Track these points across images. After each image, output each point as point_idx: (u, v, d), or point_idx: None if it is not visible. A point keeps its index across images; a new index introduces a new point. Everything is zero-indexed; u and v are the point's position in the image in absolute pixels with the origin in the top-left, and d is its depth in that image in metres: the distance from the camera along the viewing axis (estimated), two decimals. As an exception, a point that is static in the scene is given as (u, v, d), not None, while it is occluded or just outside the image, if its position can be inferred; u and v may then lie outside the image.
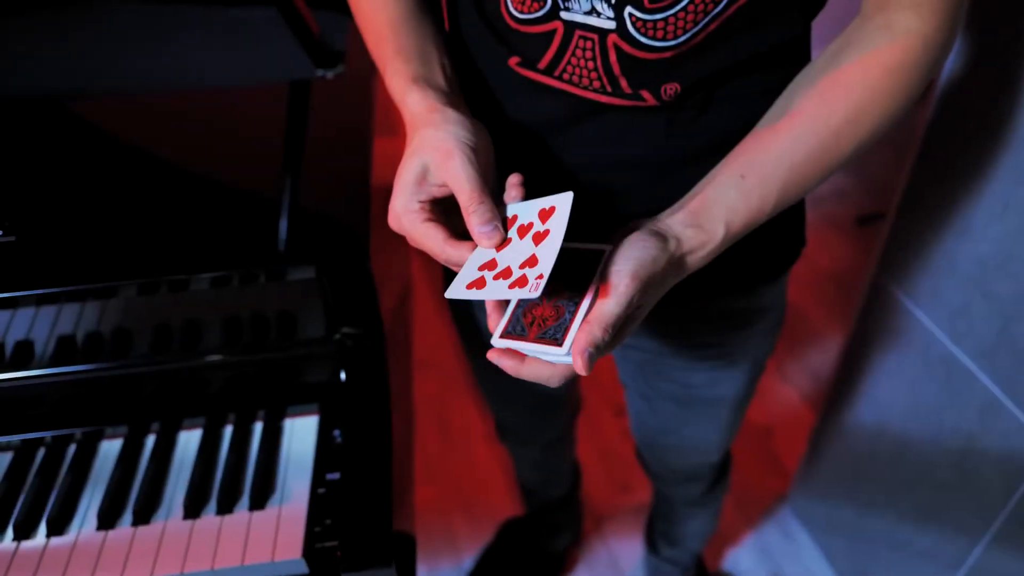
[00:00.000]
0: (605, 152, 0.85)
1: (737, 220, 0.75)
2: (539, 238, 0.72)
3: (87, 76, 1.30)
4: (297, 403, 1.06)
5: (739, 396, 1.18)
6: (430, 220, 0.73)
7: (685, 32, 0.73)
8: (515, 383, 1.25)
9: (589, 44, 0.76)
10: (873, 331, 1.53)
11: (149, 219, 1.04)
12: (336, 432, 1.01)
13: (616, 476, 2.11)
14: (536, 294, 0.66)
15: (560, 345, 0.69)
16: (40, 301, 0.96)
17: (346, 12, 1.39)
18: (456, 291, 0.72)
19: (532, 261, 0.70)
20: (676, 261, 0.73)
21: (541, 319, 0.72)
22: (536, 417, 1.47)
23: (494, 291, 0.70)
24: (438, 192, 0.74)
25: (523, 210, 0.75)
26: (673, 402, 1.18)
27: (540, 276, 0.68)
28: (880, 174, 2.80)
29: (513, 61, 0.82)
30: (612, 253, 0.73)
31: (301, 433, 1.04)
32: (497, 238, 0.72)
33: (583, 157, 0.86)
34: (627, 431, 2.16)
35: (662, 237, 0.73)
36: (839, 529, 1.83)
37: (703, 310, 1.02)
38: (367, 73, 1.25)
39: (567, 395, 1.46)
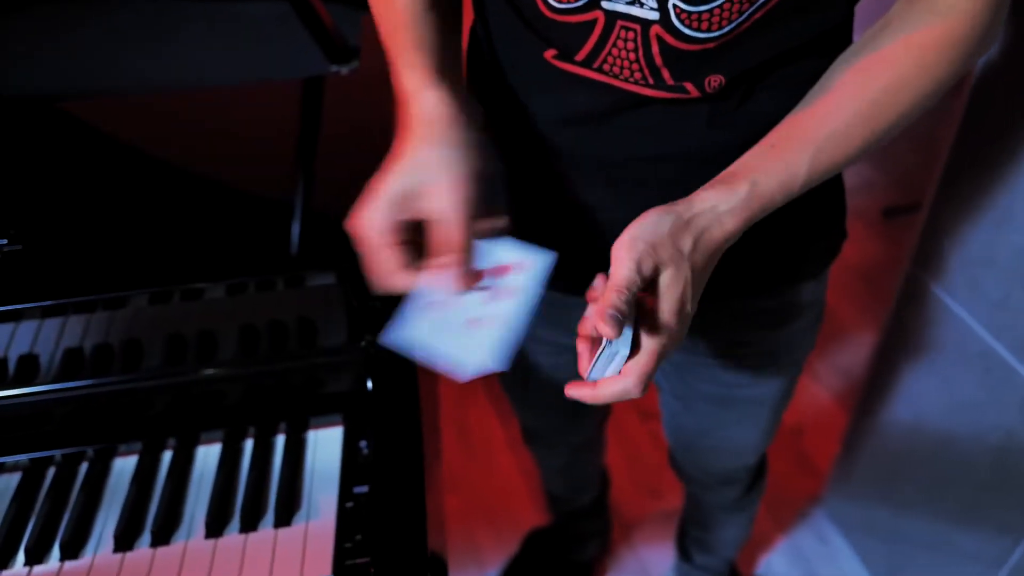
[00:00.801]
0: (644, 145, 0.82)
1: (764, 180, 0.72)
2: (508, 293, 0.71)
3: (91, 76, 1.26)
4: (320, 414, 1.01)
5: (779, 395, 1.15)
6: (393, 245, 0.72)
7: (730, 22, 0.70)
8: (541, 385, 1.27)
9: (631, 35, 0.73)
10: (908, 326, 1.50)
11: (160, 224, 1.00)
12: (362, 443, 0.97)
13: (644, 481, 2.07)
14: (616, 331, 0.65)
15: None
16: (47, 313, 0.92)
17: (359, 6, 1.35)
18: (396, 338, 0.72)
19: (492, 318, 0.70)
20: (690, 222, 0.70)
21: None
22: (564, 420, 1.43)
23: (442, 350, 0.70)
24: (418, 216, 0.72)
25: (501, 249, 0.74)
26: (710, 403, 1.15)
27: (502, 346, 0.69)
28: (907, 166, 2.76)
29: (549, 54, 0.79)
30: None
31: (325, 445, 0.99)
32: (467, 286, 0.72)
33: (621, 151, 0.83)
34: (655, 434, 2.19)
35: (668, 208, 0.71)
36: (875, 531, 1.80)
37: (743, 307, 0.99)
38: (384, 68, 1.21)
39: None
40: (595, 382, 0.70)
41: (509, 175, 0.93)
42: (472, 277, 0.71)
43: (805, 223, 0.78)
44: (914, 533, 1.64)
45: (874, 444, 1.69)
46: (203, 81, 1.23)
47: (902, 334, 1.52)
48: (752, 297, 0.97)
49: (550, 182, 0.90)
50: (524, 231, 0.99)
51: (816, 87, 0.76)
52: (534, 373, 1.23)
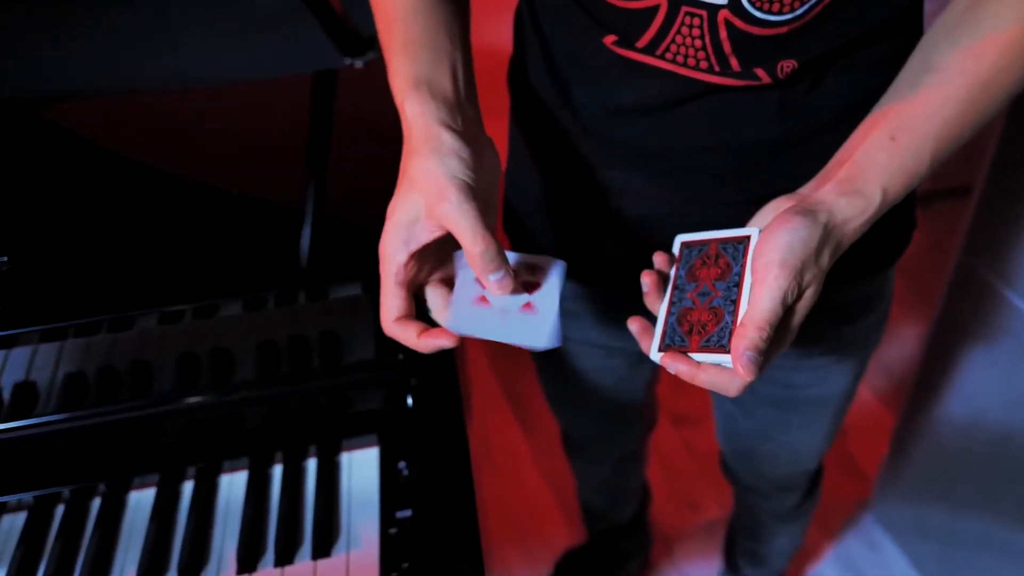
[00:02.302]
0: (710, 134, 0.79)
1: (893, 184, 0.69)
2: (532, 287, 0.70)
3: (87, 75, 1.18)
4: (352, 435, 0.94)
5: (844, 395, 1.09)
6: (402, 284, 0.69)
7: (803, 3, 0.68)
8: (589, 390, 1.20)
9: (697, 20, 0.71)
10: (961, 318, 1.44)
11: (167, 236, 0.93)
12: (401, 464, 0.90)
13: (681, 493, 2.00)
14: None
15: (730, 352, 0.64)
16: (45, 337, 0.84)
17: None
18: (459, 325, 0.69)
19: (529, 308, 0.68)
20: (831, 235, 0.67)
21: (700, 325, 0.68)
22: (610, 428, 1.38)
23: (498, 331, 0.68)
24: (429, 237, 0.68)
25: (513, 262, 0.71)
26: (771, 405, 1.09)
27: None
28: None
29: (609, 40, 0.76)
30: (760, 240, 0.68)
31: (361, 468, 0.92)
32: (508, 286, 0.67)
33: (685, 140, 0.80)
34: (689, 443, 2.12)
35: (811, 213, 0.67)
36: (928, 533, 1.74)
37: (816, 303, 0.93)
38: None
39: (643, 404, 1.36)
40: (697, 361, 0.67)
41: (544, 170, 0.91)
42: (511, 278, 0.67)
43: None
44: (970, 534, 1.60)
45: (927, 443, 1.63)
46: (205, 79, 1.16)
47: (955, 327, 1.46)
48: (823, 289, 0.91)
49: (593, 176, 0.87)
50: (561, 228, 0.93)
51: (915, 63, 0.72)
52: (581, 378, 1.18)
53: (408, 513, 0.85)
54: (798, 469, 1.26)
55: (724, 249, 0.70)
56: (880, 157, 0.69)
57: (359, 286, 0.87)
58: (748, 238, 0.69)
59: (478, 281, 0.69)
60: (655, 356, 0.68)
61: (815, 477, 1.36)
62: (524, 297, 0.69)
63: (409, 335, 0.68)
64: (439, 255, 0.71)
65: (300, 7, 1.11)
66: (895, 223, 0.90)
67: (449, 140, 0.68)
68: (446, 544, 0.81)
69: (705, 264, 0.71)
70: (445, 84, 0.73)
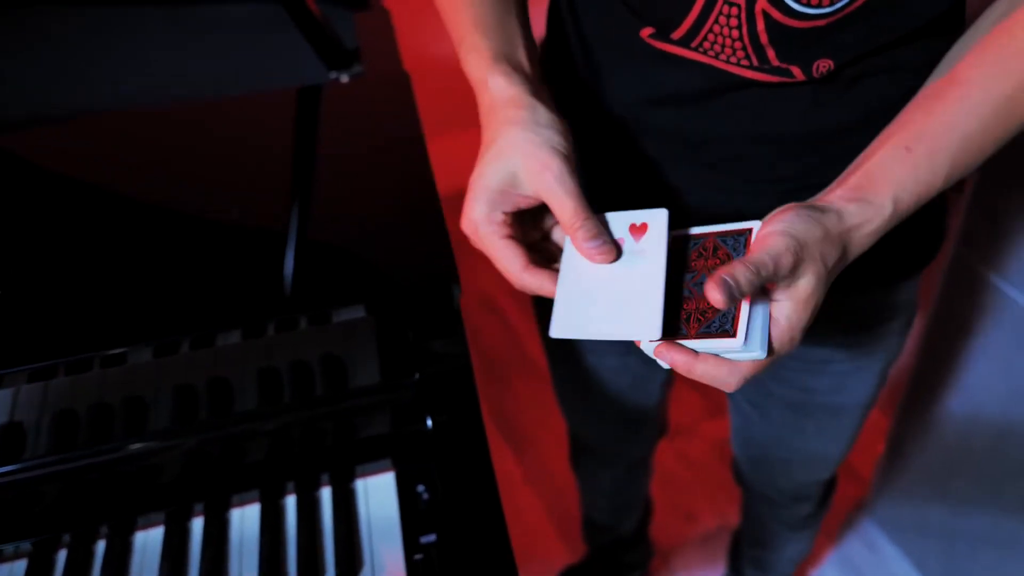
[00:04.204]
0: (741, 128, 0.79)
1: (905, 197, 0.68)
2: (635, 261, 0.68)
3: (60, 95, 1.13)
4: (365, 460, 0.90)
5: (865, 403, 1.08)
6: (510, 238, 0.69)
7: None
8: (603, 390, 1.18)
9: (734, 11, 0.70)
10: (958, 314, 1.43)
11: (158, 263, 0.88)
12: (420, 488, 0.86)
13: (678, 504, 1.98)
14: (657, 335, 0.63)
15: (734, 336, 0.62)
16: (32, 378, 0.80)
17: (350, 4, 1.24)
18: (563, 329, 0.68)
19: (635, 291, 0.66)
20: (837, 237, 0.65)
21: (699, 313, 0.65)
22: (624, 431, 1.36)
23: (606, 329, 0.66)
24: (524, 203, 0.69)
25: (613, 222, 0.71)
26: (789, 410, 1.08)
27: (655, 314, 0.64)
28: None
29: (646, 32, 0.76)
30: (761, 227, 0.66)
31: (378, 494, 0.89)
32: (610, 255, 0.68)
33: (717, 132, 0.80)
34: (683, 453, 2.10)
35: (818, 210, 0.66)
36: (928, 532, 1.73)
37: (836, 306, 0.91)
38: (395, 71, 1.11)
39: (658, 407, 1.33)
40: (695, 351, 0.65)
41: (582, 157, 0.89)
42: (612, 246, 0.67)
43: (909, 218, 0.74)
44: (972, 531, 1.59)
45: (926, 441, 1.62)
46: (183, 96, 1.12)
47: (952, 323, 1.45)
48: (848, 294, 0.91)
49: (624, 164, 0.87)
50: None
51: (940, 73, 0.72)
52: (595, 377, 1.17)
53: (433, 538, 0.82)
54: (812, 478, 1.25)
55: (724, 241, 0.68)
56: (893, 168, 0.68)
57: (363, 308, 0.84)
58: (750, 231, 0.67)
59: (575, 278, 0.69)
60: (646, 347, 0.66)
61: (829, 486, 1.35)
62: (626, 278, 0.67)
63: (543, 282, 0.68)
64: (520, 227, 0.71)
65: (280, 18, 1.07)
66: (922, 233, 0.90)
67: (544, 112, 0.69)
68: (476, 567, 0.77)
69: (702, 256, 0.69)
70: (522, 62, 0.74)
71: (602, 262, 0.68)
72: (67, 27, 1.23)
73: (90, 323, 0.81)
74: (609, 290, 0.67)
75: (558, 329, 0.68)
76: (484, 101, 0.72)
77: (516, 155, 0.67)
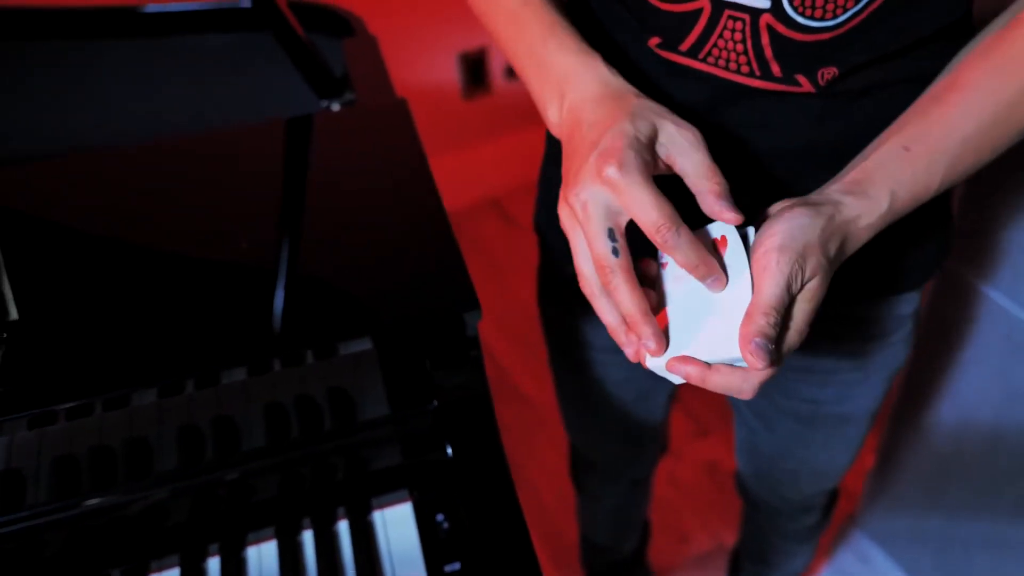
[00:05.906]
0: (750, 139, 0.79)
1: (902, 192, 0.69)
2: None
3: (43, 132, 1.12)
4: (381, 492, 0.89)
5: (870, 412, 1.08)
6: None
7: (845, 11, 0.68)
8: (609, 403, 1.17)
9: (739, 25, 0.71)
10: (948, 323, 1.44)
11: (158, 301, 0.85)
12: (439, 517, 0.86)
13: (671, 525, 1.97)
14: (765, 362, 0.61)
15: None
16: (32, 424, 0.77)
17: (335, 32, 1.22)
18: (660, 365, 0.67)
19: (726, 309, 0.64)
20: (836, 227, 0.66)
21: None
22: (629, 446, 1.34)
23: (707, 353, 0.64)
24: (668, 163, 0.66)
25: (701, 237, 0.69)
26: (795, 420, 1.08)
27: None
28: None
29: (653, 42, 0.77)
30: (760, 231, 0.67)
31: (396, 525, 0.87)
32: (708, 263, 0.65)
33: (725, 145, 0.78)
34: (673, 475, 2.09)
35: (815, 205, 0.66)
36: (921, 540, 1.74)
37: (838, 316, 0.94)
38: (385, 99, 1.10)
39: (662, 422, 1.33)
40: (707, 362, 0.65)
41: None
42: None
43: (909, 229, 0.75)
44: (967, 536, 1.59)
45: (917, 450, 1.63)
46: (169, 129, 1.10)
47: (941, 332, 1.46)
48: (848, 305, 0.93)
49: None
50: None
51: (943, 77, 0.73)
52: (601, 390, 1.16)
53: (457, 566, 0.81)
54: (819, 489, 1.25)
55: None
56: (891, 164, 0.69)
57: (369, 340, 0.83)
58: (747, 235, 0.67)
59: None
60: (653, 364, 0.66)
61: (833, 495, 1.35)
62: (708, 299, 0.65)
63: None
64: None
65: (267, 46, 1.06)
66: (924, 244, 0.91)
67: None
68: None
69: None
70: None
71: (717, 287, 0.65)
72: (57, 61, 1.22)
73: (91, 366, 0.79)
74: (707, 310, 0.65)
75: (674, 349, 0.66)
76: (589, 89, 0.69)
77: (666, 118, 0.66)
